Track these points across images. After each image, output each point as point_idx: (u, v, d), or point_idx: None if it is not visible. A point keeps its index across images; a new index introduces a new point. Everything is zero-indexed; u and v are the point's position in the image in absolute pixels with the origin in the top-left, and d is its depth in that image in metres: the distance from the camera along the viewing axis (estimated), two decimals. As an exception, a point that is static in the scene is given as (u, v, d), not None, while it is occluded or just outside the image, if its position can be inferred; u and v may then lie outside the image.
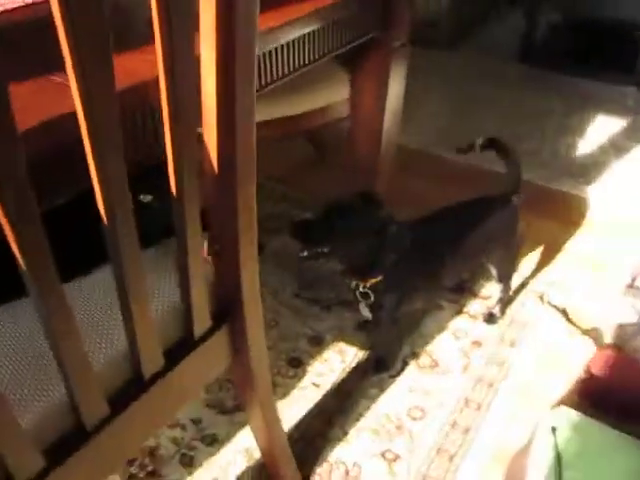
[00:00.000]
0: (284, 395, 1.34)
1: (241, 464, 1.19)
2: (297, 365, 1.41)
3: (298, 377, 1.38)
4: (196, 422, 1.28)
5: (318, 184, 1.93)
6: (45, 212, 0.50)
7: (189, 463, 1.20)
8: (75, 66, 0.46)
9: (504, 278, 1.45)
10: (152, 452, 1.22)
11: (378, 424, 1.28)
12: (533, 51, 2.96)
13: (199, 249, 0.71)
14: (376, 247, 1.14)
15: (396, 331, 1.40)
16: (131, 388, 0.75)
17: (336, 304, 1.57)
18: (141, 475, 1.17)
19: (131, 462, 1.19)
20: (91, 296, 0.78)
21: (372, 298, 1.23)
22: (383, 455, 1.22)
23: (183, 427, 1.26)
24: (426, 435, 1.26)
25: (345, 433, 1.26)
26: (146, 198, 1.08)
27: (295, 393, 1.34)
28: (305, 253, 1.14)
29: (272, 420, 1.01)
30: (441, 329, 1.51)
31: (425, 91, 2.70)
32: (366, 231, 1.12)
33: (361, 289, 1.23)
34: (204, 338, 0.82)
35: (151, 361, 0.75)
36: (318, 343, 1.47)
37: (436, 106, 2.63)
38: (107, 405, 0.70)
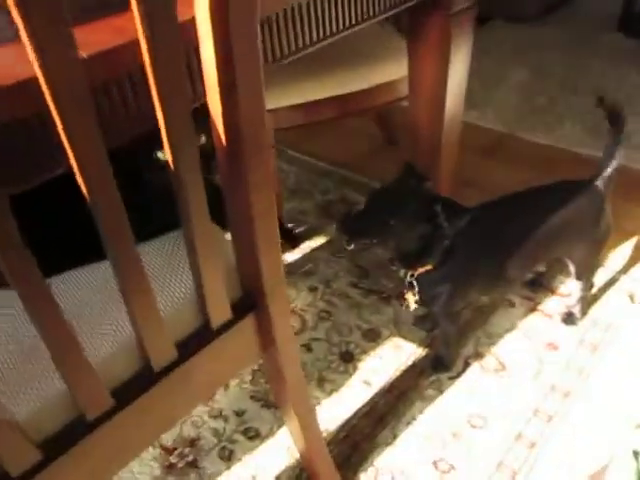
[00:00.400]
0: (332, 391, 1.26)
1: (281, 463, 1.13)
2: (349, 360, 1.32)
3: (349, 373, 1.29)
4: (239, 414, 1.23)
5: (383, 169, 1.81)
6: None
7: (228, 457, 1.15)
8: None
9: (584, 274, 1.27)
10: (193, 442, 1.18)
11: (432, 430, 1.16)
12: (633, 21, 2.65)
13: (208, 233, 0.64)
14: (426, 232, 1.02)
15: (456, 327, 1.27)
16: (139, 380, 0.69)
17: (395, 296, 1.46)
18: (180, 465, 1.14)
19: (171, 451, 1.16)
20: (102, 283, 0.73)
21: (416, 289, 1.12)
22: (435, 465, 1.10)
23: (226, 419, 1.22)
24: (486, 446, 1.13)
25: (395, 437, 1.16)
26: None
27: (344, 390, 1.26)
28: (352, 246, 1.04)
29: (306, 420, 0.93)
30: (511, 328, 1.35)
31: (507, 68, 2.49)
32: (414, 216, 1.00)
33: (408, 278, 1.12)
34: (223, 329, 0.75)
35: (160, 353, 0.69)
36: (373, 338, 1.37)
37: (517, 84, 2.41)
38: (110, 397, 0.65)
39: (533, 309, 1.40)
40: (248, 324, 0.78)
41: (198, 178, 0.58)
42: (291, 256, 1.63)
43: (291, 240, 1.51)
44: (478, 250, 1.10)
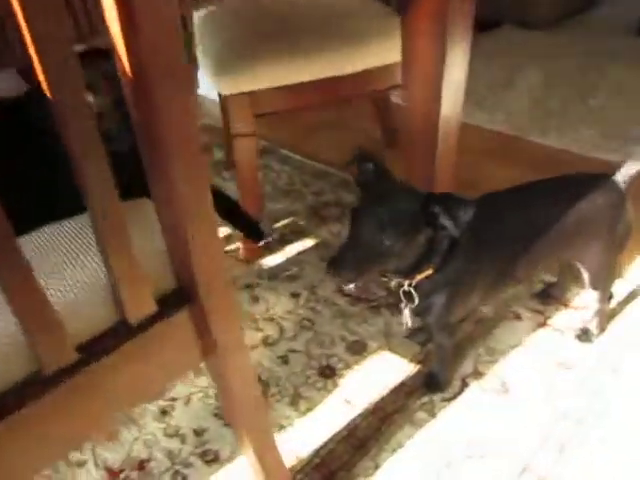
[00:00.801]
0: (308, 411, 1.09)
1: (240, 494, 0.96)
2: (329, 375, 1.15)
3: (328, 390, 1.12)
4: (199, 433, 1.06)
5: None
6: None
7: (181, 484, 0.98)
8: None
9: (600, 283, 1.10)
10: (142, 465, 1.01)
11: (422, 459, 0.99)
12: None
13: (114, 207, 0.49)
14: (427, 237, 0.87)
15: (453, 342, 1.10)
16: (31, 384, 0.54)
17: (386, 305, 1.29)
18: (124, 492, 0.98)
19: (116, 473, 1.00)
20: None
21: (416, 300, 0.95)
22: (423, 502, 0.93)
23: (183, 438, 1.05)
24: (484, 481, 0.95)
25: (377, 466, 0.98)
26: None
27: (322, 410, 1.09)
28: (351, 286, 0.90)
29: (261, 445, 0.77)
30: (517, 344, 1.18)
31: (518, 72, 2.34)
32: (411, 227, 0.84)
33: (406, 288, 0.95)
34: (147, 326, 0.59)
35: (55, 353, 0.53)
36: (359, 351, 1.20)
37: (530, 88, 2.26)
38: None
39: (542, 324, 1.23)
40: (181, 321, 0.62)
41: (90, 134, 0.44)
42: (275, 259, 1.47)
43: (256, 236, 1.34)
44: (480, 247, 0.94)
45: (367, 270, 0.86)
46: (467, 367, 1.14)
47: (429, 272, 0.93)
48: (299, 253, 1.49)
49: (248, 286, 1.39)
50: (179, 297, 0.62)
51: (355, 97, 1.31)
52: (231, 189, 1.75)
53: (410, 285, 0.94)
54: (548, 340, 1.19)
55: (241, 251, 1.47)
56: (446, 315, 1.00)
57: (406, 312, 1.00)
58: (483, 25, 2.60)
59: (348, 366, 1.17)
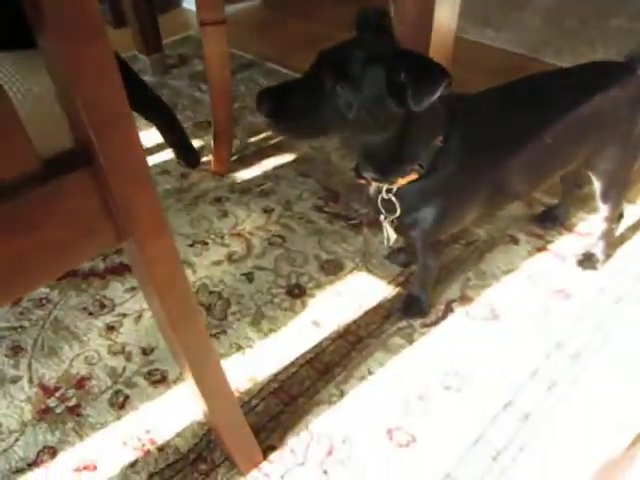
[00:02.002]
0: (270, 332, 0.97)
1: (185, 418, 0.85)
2: (298, 295, 1.03)
3: (295, 311, 1.00)
4: (147, 352, 0.94)
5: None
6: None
7: (121, 405, 0.87)
8: None
9: (612, 195, 0.95)
10: (81, 383, 0.90)
11: (393, 389, 0.87)
12: None
13: None
14: (397, 116, 0.70)
15: (439, 263, 0.96)
16: None
17: (367, 224, 1.16)
18: (58, 410, 0.87)
19: (51, 391, 0.89)
20: None
21: (398, 211, 0.81)
22: (390, 434, 0.82)
23: (128, 356, 0.94)
24: (462, 416, 0.84)
25: (342, 394, 0.87)
26: None
27: (286, 331, 0.97)
28: (279, 130, 0.73)
29: (198, 361, 0.64)
30: (511, 269, 1.05)
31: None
32: (374, 83, 0.67)
33: (384, 194, 0.81)
34: (22, 188, 0.45)
35: None
36: (333, 270, 1.07)
37: (547, 9, 2.05)
38: None
39: (541, 248, 1.09)
40: (74, 189, 0.48)
41: None
42: (249, 172, 1.33)
43: (186, 159, 1.22)
44: (477, 151, 0.78)
45: (305, 117, 0.69)
46: (453, 291, 1.01)
47: (413, 176, 0.78)
48: (275, 167, 1.34)
49: (217, 200, 1.25)
50: (74, 158, 0.48)
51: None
52: (207, 102, 1.59)
53: (390, 191, 0.80)
54: (547, 266, 1.05)
55: (212, 163, 1.32)
56: (434, 232, 0.85)
57: (386, 226, 0.86)
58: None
59: (319, 286, 1.04)
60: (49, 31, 0.40)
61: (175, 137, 1.19)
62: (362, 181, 0.83)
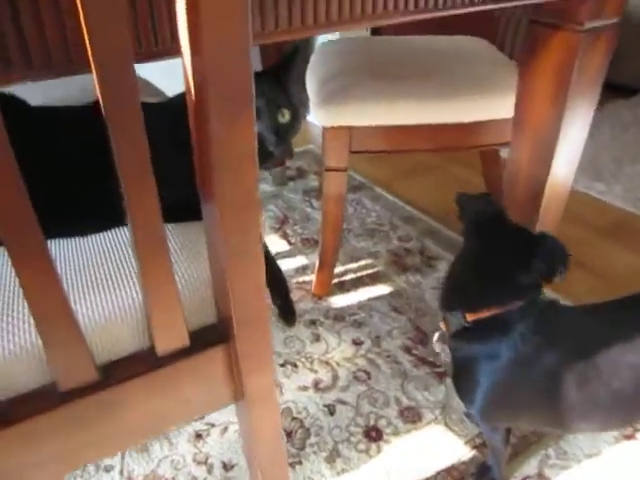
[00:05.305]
0: (343, 471, 1.01)
1: None
2: (374, 439, 1.07)
3: (370, 455, 1.04)
4: (227, 467, 1.01)
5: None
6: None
7: (196, 518, 0.94)
8: None
9: None
10: (163, 487, 0.98)
11: None
12: None
13: (152, 227, 0.46)
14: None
15: (501, 441, 0.93)
16: (46, 396, 0.52)
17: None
18: (140, 511, 0.95)
19: (137, 490, 0.98)
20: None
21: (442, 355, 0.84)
22: None
23: (210, 468, 1.01)
24: None
25: None
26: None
27: (357, 475, 1.00)
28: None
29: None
30: (594, 454, 1.03)
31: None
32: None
33: (464, 323, 0.79)
34: (174, 359, 0.56)
35: (74, 369, 0.51)
36: (412, 419, 1.10)
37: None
38: None
39: (629, 436, 1.06)
40: (211, 361, 0.58)
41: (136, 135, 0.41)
42: (345, 299, 1.42)
43: (286, 319, 1.34)
44: (548, 346, 0.77)
45: None
46: (531, 467, 1.01)
47: (497, 311, 0.77)
48: (370, 299, 1.42)
49: (312, 323, 1.34)
50: (215, 334, 0.58)
51: (458, 149, 1.23)
52: (317, 219, 1.73)
53: (467, 322, 0.79)
54: (634, 457, 1.02)
55: (313, 285, 1.43)
56: (485, 408, 0.84)
57: (442, 352, 0.89)
58: (621, 91, 2.42)
59: (397, 433, 1.07)
60: (215, 204, 0.49)
61: (282, 302, 1.33)
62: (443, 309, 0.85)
